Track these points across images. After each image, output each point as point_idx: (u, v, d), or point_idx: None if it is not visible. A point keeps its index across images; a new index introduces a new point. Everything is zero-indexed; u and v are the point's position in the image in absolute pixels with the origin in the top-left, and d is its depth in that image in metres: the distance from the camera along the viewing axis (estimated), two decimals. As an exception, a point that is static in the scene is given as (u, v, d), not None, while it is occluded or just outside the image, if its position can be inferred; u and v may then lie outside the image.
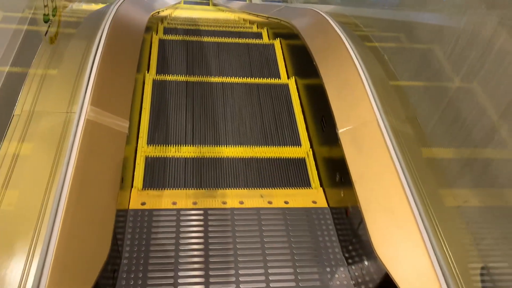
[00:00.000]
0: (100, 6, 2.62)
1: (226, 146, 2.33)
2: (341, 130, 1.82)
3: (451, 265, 1.35)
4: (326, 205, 2.03)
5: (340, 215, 1.89)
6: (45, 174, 1.32)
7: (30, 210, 1.23)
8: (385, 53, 2.08)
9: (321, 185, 2.16)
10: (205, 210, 1.91)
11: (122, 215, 1.74)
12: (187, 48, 3.17)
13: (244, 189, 2.09)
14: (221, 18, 6.85)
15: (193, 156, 2.22)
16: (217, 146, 2.32)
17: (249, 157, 2.27)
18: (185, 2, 12.14)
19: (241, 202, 1.97)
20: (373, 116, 1.77)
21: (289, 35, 3.10)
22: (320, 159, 2.22)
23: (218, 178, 2.13)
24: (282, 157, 2.29)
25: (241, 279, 1.67)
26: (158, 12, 3.92)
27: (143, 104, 2.46)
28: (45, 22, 1.42)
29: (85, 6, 2.42)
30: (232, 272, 1.69)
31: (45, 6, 1.39)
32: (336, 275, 1.75)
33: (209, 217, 1.88)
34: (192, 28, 3.93)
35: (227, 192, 2.04)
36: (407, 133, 1.75)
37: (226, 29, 4.14)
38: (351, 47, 2.12)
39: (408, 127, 1.77)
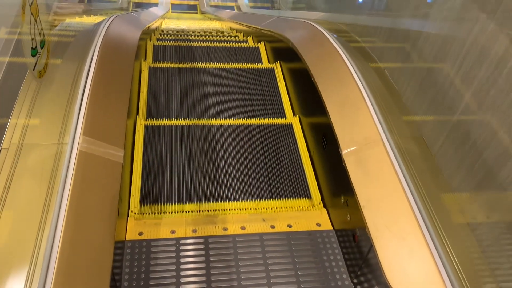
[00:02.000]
0: (92, 20, 2.54)
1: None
2: (345, 151, 1.75)
3: (467, 293, 1.30)
4: (331, 228, 1.96)
5: (346, 238, 1.82)
6: (37, 212, 1.24)
7: (23, 250, 1.14)
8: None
9: (324, 206, 2.09)
10: (206, 238, 1.82)
11: (119, 247, 1.65)
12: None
13: (245, 211, 2.01)
14: (211, 28, 6.80)
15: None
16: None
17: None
18: (173, 11, 12.15)
19: (243, 228, 1.89)
20: (378, 136, 1.72)
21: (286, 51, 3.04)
22: (323, 179, 2.15)
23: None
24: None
25: (246, 311, 1.59)
26: (149, 27, 3.84)
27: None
28: (33, 55, 1.32)
29: (78, 19, 2.34)
30: (237, 304, 1.61)
31: (32, 39, 1.29)
32: (345, 303, 1.68)
33: (210, 246, 1.80)
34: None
35: (228, 217, 1.95)
36: (413, 151, 1.69)
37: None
38: (351, 64, 2.07)
39: (414, 145, 1.72)
